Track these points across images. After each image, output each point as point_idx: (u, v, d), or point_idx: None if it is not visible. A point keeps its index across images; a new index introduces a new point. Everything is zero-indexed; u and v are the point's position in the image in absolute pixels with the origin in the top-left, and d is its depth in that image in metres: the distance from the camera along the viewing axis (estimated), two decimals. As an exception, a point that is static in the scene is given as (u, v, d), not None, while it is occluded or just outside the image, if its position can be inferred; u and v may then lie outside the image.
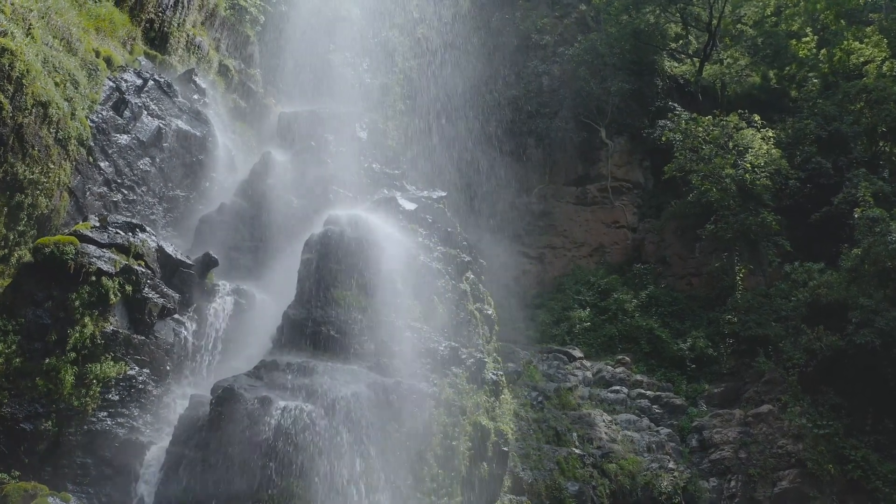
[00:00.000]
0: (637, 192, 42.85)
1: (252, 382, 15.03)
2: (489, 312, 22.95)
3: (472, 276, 22.17)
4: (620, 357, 33.14)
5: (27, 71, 17.12)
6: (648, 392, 30.61)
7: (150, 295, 17.12)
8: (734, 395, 30.25)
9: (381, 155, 27.25)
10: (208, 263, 19.38)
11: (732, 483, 26.08)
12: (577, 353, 33.11)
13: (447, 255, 20.81)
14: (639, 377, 31.59)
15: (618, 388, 30.67)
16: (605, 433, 27.26)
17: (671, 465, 26.41)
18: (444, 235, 21.55)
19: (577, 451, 25.60)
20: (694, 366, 32.45)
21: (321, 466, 14.39)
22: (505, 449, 19.17)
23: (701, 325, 34.46)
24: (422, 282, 19.09)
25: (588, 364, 32.52)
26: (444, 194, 24.27)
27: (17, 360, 15.18)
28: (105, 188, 19.81)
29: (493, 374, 20.75)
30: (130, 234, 17.56)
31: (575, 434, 26.79)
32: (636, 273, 38.60)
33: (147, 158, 21.22)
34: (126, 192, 20.45)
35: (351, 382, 15.59)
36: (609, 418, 28.33)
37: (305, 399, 14.82)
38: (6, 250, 16.95)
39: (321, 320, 16.67)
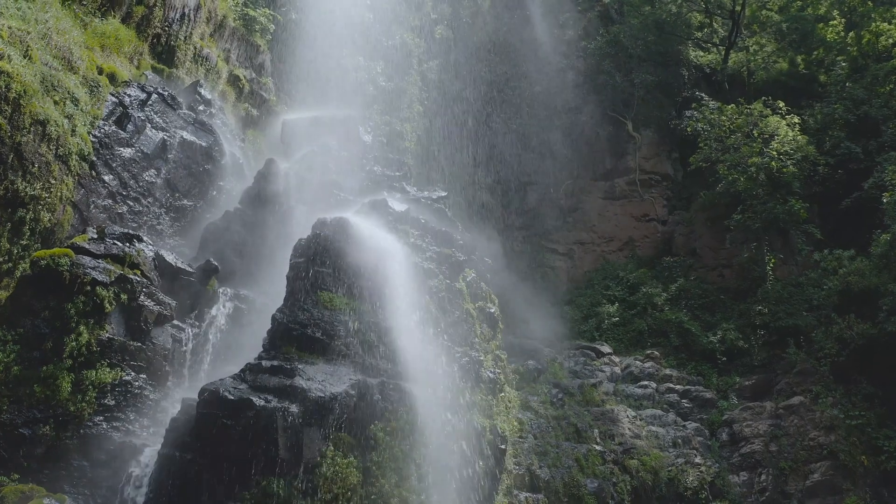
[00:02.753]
0: (666, 184, 42.17)
1: (237, 385, 15.31)
2: (492, 311, 22.86)
3: (473, 275, 22.10)
4: (650, 351, 32.73)
5: (24, 91, 17.73)
6: (678, 386, 30.17)
7: (146, 303, 17.58)
8: (765, 387, 29.67)
9: (394, 158, 27.37)
10: (209, 270, 19.84)
11: (763, 477, 25.65)
12: (606, 348, 32.76)
13: (441, 254, 20.80)
14: (668, 371, 31.15)
15: (645, 382, 30.31)
16: (629, 429, 26.91)
17: (697, 459, 26.00)
18: (438, 235, 21.54)
19: (597, 447, 25.32)
20: (725, 358, 31.88)
21: (301, 467, 14.60)
22: (502, 447, 19.07)
23: (731, 317, 33.83)
24: (412, 282, 19.12)
25: (616, 359, 32.17)
26: (444, 194, 24.26)
27: (16, 368, 15.73)
28: (110, 200, 20.40)
29: (491, 372, 20.66)
30: (127, 244, 18.04)
31: (596, 430, 26.49)
32: (666, 266, 38.08)
33: (152, 170, 21.77)
34: (132, 203, 21.02)
35: (334, 383, 15.76)
36: (633, 414, 27.98)
37: (287, 400, 15.03)
38: (10, 264, 17.63)
39: (307, 322, 16.88)
